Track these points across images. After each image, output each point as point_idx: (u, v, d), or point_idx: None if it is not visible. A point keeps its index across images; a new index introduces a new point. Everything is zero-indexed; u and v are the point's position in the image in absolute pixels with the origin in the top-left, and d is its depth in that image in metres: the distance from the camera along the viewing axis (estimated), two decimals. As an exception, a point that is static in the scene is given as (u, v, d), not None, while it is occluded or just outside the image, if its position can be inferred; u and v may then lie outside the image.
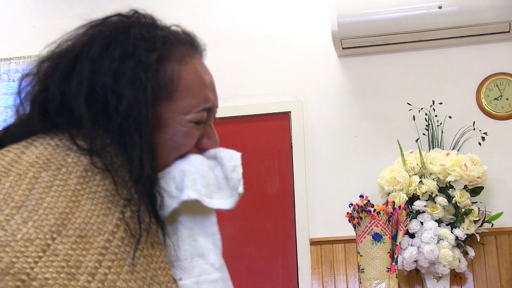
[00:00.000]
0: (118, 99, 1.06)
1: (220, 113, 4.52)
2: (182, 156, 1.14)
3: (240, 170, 1.23)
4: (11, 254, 0.89)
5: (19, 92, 1.13)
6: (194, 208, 1.13)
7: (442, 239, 3.53)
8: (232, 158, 1.24)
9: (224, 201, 1.19)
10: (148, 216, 1.04)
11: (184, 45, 1.18)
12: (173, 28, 1.20)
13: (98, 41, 1.10)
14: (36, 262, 0.90)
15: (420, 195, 3.60)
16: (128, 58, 1.08)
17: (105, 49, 1.09)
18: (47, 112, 1.09)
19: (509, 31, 3.95)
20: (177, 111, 1.12)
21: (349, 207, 3.00)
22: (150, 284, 1.00)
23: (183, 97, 1.12)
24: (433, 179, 3.64)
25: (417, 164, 3.69)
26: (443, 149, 3.83)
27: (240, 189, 1.19)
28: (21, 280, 0.87)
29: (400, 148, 3.77)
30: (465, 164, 3.60)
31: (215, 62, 4.99)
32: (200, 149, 1.17)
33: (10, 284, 0.86)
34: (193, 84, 1.14)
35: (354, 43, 4.08)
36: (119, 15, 1.16)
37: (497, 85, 4.05)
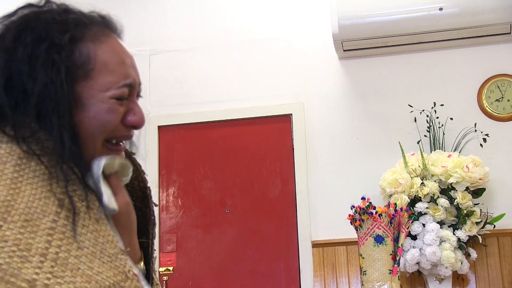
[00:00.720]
0: (34, 82, 1.08)
1: (222, 115, 4.54)
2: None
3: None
4: None
5: None
6: None
7: (444, 241, 3.53)
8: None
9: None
10: (84, 192, 1.07)
11: (99, 26, 1.18)
12: (88, 12, 1.21)
13: (11, 30, 1.12)
14: None
15: (422, 196, 3.60)
16: (41, 42, 1.10)
17: (18, 36, 1.11)
18: None
19: (509, 33, 3.95)
20: (97, 89, 1.12)
21: (351, 209, 3.00)
22: (100, 257, 1.03)
23: (101, 74, 1.13)
24: (435, 181, 3.64)
25: (419, 166, 3.69)
26: (444, 151, 3.83)
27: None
28: None
29: (402, 150, 3.77)
30: (466, 165, 3.60)
31: (216, 65, 5.00)
32: (126, 126, 1.17)
33: None
34: (110, 61, 1.15)
35: (355, 45, 4.08)
36: (30, 5, 1.17)
37: (498, 87, 4.05)
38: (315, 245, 4.04)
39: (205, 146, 4.34)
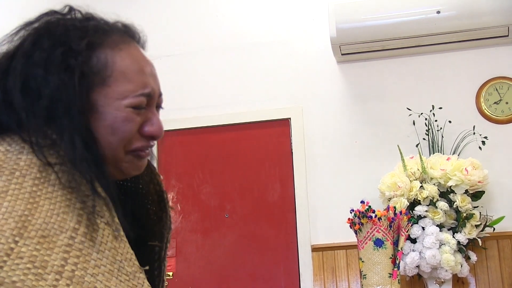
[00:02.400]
0: (47, 86, 1.06)
1: (220, 120, 4.54)
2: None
3: None
4: None
5: None
6: None
7: (444, 244, 3.53)
8: None
9: None
10: (102, 208, 1.04)
11: (119, 33, 1.17)
12: (112, 21, 1.19)
13: (31, 36, 1.11)
14: (1, 267, 0.89)
15: (421, 200, 3.59)
16: (58, 47, 1.09)
17: (37, 41, 1.10)
18: None
19: (507, 35, 3.95)
20: (114, 97, 1.11)
21: (350, 213, 3.00)
22: (118, 276, 1.00)
23: (118, 82, 1.11)
24: (434, 184, 3.64)
25: (418, 169, 3.69)
26: (443, 154, 3.83)
27: None
28: None
29: (401, 153, 3.76)
30: (465, 168, 3.60)
31: (215, 69, 5.00)
32: (143, 135, 1.16)
33: None
34: (128, 70, 1.13)
35: (353, 49, 4.08)
36: (53, 12, 1.16)
37: (496, 89, 4.05)
38: (315, 249, 4.03)
39: (204, 150, 4.33)
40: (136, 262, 1.06)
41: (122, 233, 1.06)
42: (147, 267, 1.09)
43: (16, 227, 0.94)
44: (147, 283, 1.07)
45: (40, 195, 1.00)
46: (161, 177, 1.32)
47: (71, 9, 1.17)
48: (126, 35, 1.18)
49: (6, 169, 1.01)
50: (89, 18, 1.16)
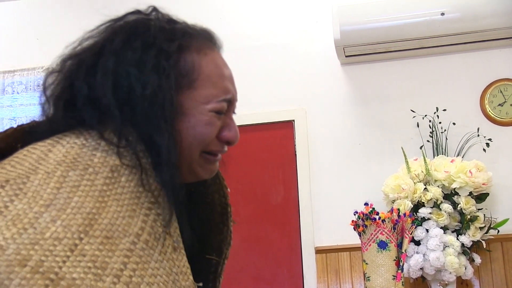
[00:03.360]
0: (143, 86, 1.07)
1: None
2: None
3: None
4: (40, 253, 0.88)
5: (44, 90, 1.14)
6: None
7: (448, 246, 3.52)
8: None
9: None
10: (168, 218, 1.04)
11: (203, 38, 1.20)
12: (191, 24, 1.23)
13: (120, 34, 1.13)
14: (64, 262, 0.89)
15: (425, 202, 3.59)
16: (149, 48, 1.10)
17: (127, 41, 1.11)
18: (73, 109, 1.10)
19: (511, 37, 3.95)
20: (199, 100, 1.13)
21: (354, 215, 3.00)
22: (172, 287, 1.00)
23: (204, 86, 1.13)
24: (438, 186, 3.63)
25: (422, 171, 3.68)
26: (447, 156, 3.82)
27: None
28: (50, 279, 0.87)
29: (404, 155, 3.76)
30: (470, 170, 3.59)
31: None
32: (221, 140, 1.17)
33: (39, 282, 0.86)
34: (213, 74, 1.15)
35: (357, 51, 4.08)
36: (138, 11, 1.18)
37: (501, 91, 4.05)
38: (318, 251, 4.03)
39: (208, 152, 4.33)
40: (191, 277, 1.05)
41: (181, 245, 1.06)
42: (201, 284, 1.10)
43: (83, 224, 0.94)
44: None
45: (109, 195, 1.00)
46: (229, 190, 1.32)
47: (154, 9, 1.19)
48: (208, 40, 1.21)
49: (80, 163, 1.02)
50: (173, 21, 1.19)
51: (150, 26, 1.14)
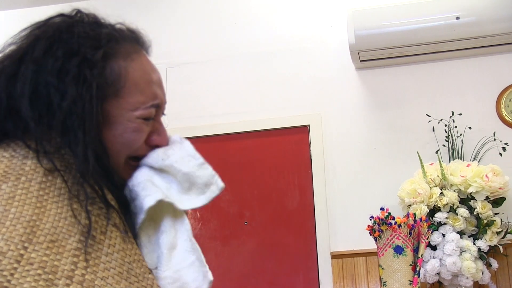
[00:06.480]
0: (62, 96, 1.06)
1: (239, 127, 4.54)
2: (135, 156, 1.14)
3: (207, 165, 1.20)
4: None
5: None
6: (167, 212, 1.13)
7: (465, 251, 3.50)
8: (188, 158, 1.19)
9: (194, 201, 1.16)
10: (108, 211, 1.04)
11: (130, 42, 1.18)
12: (118, 25, 1.19)
13: (42, 41, 1.10)
14: (12, 274, 0.89)
15: (441, 206, 3.57)
16: (72, 56, 1.08)
17: (49, 48, 1.09)
18: None
19: (527, 41, 3.93)
20: (126, 108, 1.12)
21: (370, 219, 3.00)
22: (127, 278, 1.00)
23: (131, 93, 1.12)
24: (454, 191, 3.62)
25: (438, 176, 3.67)
26: (463, 160, 3.80)
27: (219, 182, 1.19)
28: None
29: (420, 160, 3.75)
30: (486, 175, 3.58)
31: (233, 77, 5.00)
32: (149, 145, 1.16)
33: None
34: (140, 81, 1.14)
35: (372, 56, 4.07)
36: (62, 15, 1.16)
37: (517, 95, 4.03)
38: (334, 256, 4.02)
39: (223, 158, 4.34)
40: (145, 263, 1.06)
41: (130, 234, 1.07)
42: (155, 267, 1.09)
43: (25, 233, 0.94)
44: (156, 283, 1.07)
45: (47, 199, 1.00)
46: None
47: (78, 12, 1.16)
48: (136, 43, 1.19)
49: (12, 174, 1.01)
50: (99, 24, 1.16)
51: (74, 32, 1.11)
